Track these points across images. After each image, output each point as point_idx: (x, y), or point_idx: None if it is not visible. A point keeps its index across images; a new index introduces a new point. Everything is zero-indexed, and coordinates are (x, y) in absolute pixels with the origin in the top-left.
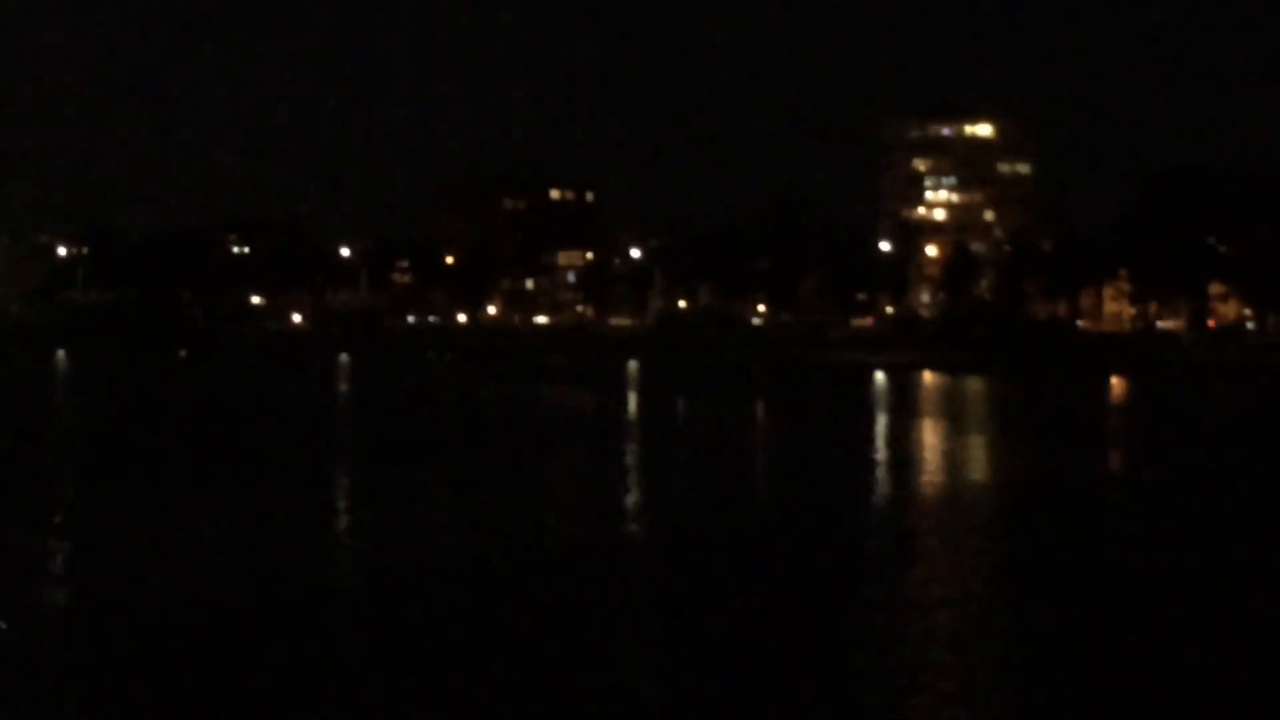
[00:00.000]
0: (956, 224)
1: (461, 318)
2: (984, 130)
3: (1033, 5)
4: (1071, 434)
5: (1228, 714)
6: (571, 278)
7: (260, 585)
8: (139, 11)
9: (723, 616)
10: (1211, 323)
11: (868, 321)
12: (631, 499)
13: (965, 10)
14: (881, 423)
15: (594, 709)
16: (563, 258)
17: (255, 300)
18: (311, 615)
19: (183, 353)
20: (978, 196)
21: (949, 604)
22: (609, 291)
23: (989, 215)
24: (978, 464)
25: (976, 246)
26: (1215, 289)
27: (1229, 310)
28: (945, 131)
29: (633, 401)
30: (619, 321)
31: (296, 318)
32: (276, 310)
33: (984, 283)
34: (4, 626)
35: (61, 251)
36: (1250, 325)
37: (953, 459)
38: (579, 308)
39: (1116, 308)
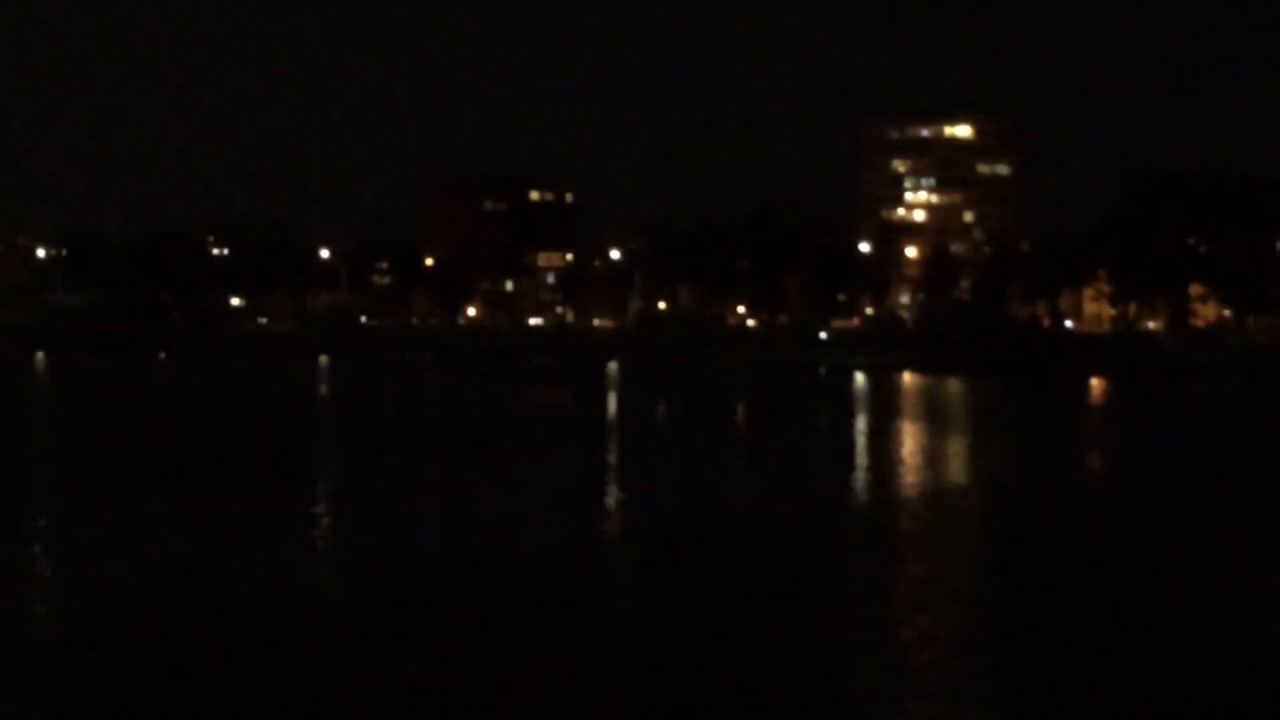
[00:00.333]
0: (936, 225)
1: (435, 320)
2: (964, 131)
3: (1013, 7)
4: (1049, 435)
5: (1201, 709)
6: (552, 279)
7: (231, 588)
8: (118, 13)
9: (694, 618)
10: (1200, 323)
11: (854, 322)
12: (608, 503)
13: (945, 12)
14: (860, 424)
15: (570, 710)
16: (543, 259)
17: (235, 301)
18: (283, 619)
19: (163, 354)
20: (958, 197)
21: (923, 605)
22: (589, 293)
23: (969, 216)
24: (954, 466)
25: (956, 247)
26: (1195, 290)
27: (1209, 311)
28: (925, 133)
29: (611, 403)
30: (600, 323)
31: (277, 319)
32: (257, 311)
33: (964, 284)
34: None
35: (41, 253)
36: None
37: (929, 461)
38: (559, 309)
39: (1096, 309)
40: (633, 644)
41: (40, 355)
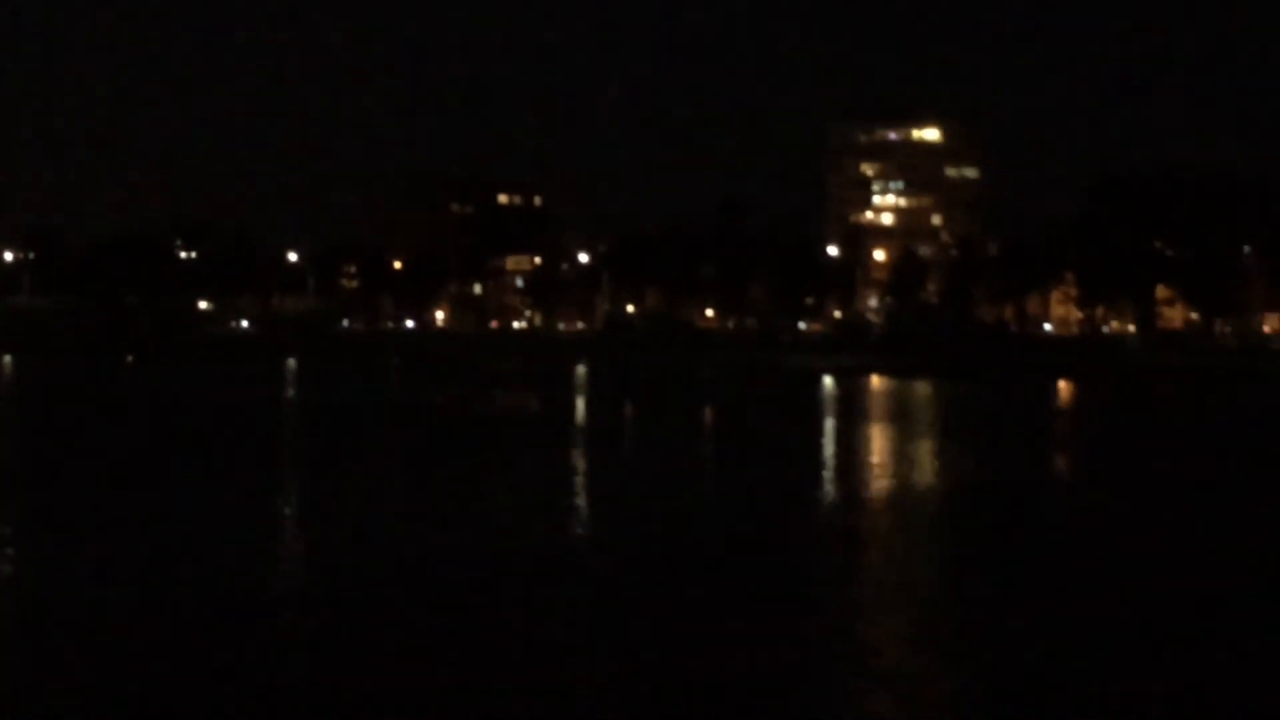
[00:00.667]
0: (904, 228)
1: (410, 323)
2: (931, 135)
3: (979, 11)
4: (1015, 438)
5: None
6: (520, 282)
7: (189, 593)
8: (82, 13)
9: (659, 624)
10: (1172, 325)
11: (814, 326)
12: (571, 507)
13: (912, 16)
14: (828, 427)
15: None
16: (511, 262)
17: (203, 305)
18: (238, 624)
19: (130, 357)
20: (925, 201)
21: (886, 609)
22: (557, 296)
23: (936, 219)
24: (921, 469)
25: (924, 251)
26: (1162, 293)
27: (1175, 314)
28: (892, 136)
29: (579, 406)
30: (567, 326)
31: (244, 322)
32: (224, 315)
33: (931, 287)
34: None
35: (8, 256)
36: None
37: (896, 464)
38: (527, 312)
39: (1063, 311)
40: (592, 650)
41: (7, 359)
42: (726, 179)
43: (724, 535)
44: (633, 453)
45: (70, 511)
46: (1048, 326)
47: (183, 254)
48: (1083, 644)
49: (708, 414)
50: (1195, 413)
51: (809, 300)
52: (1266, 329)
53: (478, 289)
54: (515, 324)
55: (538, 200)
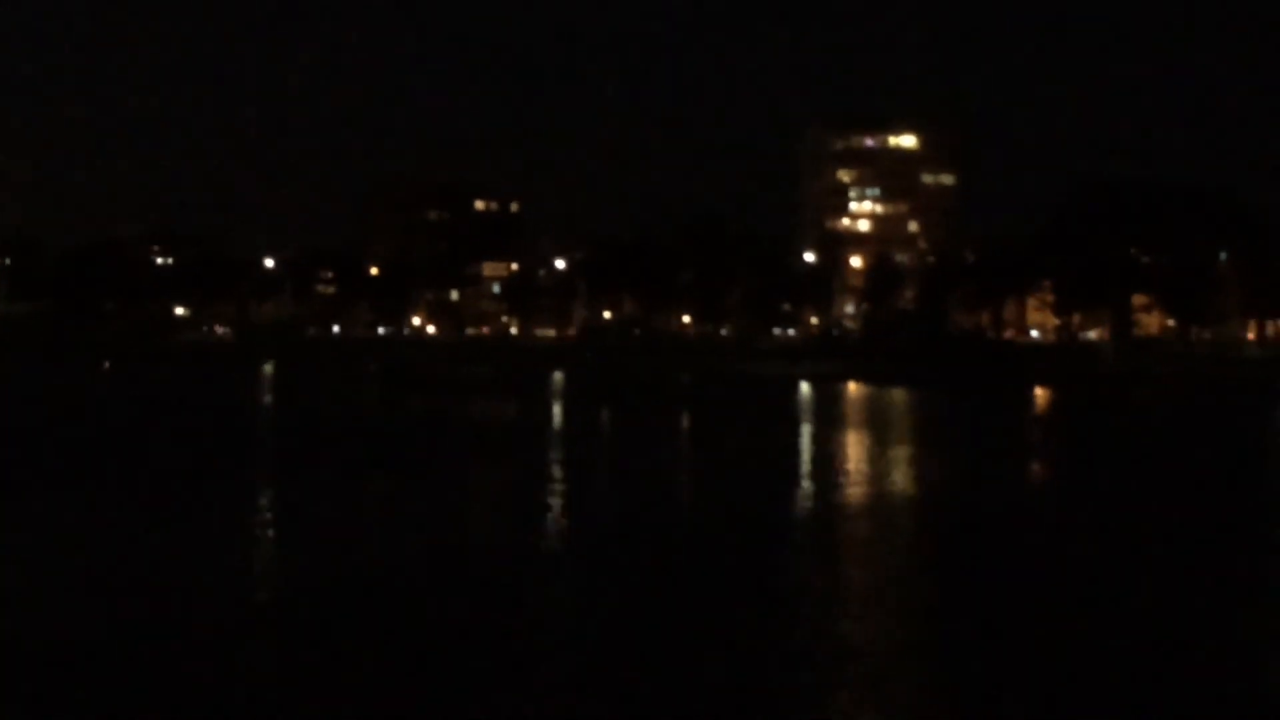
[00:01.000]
0: (880, 235)
1: (382, 329)
2: (907, 141)
3: (955, 17)
4: (990, 444)
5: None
6: (496, 289)
7: (154, 602)
8: (58, 18)
9: (635, 630)
10: (1151, 332)
11: (788, 332)
12: (546, 514)
13: (888, 22)
14: (804, 433)
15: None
16: (487, 269)
17: (179, 311)
18: (203, 634)
19: (106, 364)
20: (901, 207)
21: (858, 616)
22: (534, 303)
23: (913, 226)
24: (896, 475)
25: (900, 257)
26: (1139, 300)
27: (1152, 321)
28: (869, 143)
29: (556, 413)
30: (543, 332)
31: (220, 329)
32: (200, 321)
33: (908, 294)
34: None
35: None
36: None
37: (871, 470)
38: (503, 319)
39: (1040, 318)
40: (562, 657)
41: None
42: (703, 186)
43: (696, 541)
44: (608, 461)
45: (36, 517)
46: (1035, 334)
47: (159, 260)
48: (1040, 644)
49: (684, 421)
50: (1171, 419)
51: (785, 307)
52: (1250, 336)
53: (454, 295)
54: (477, 330)
55: (514, 206)
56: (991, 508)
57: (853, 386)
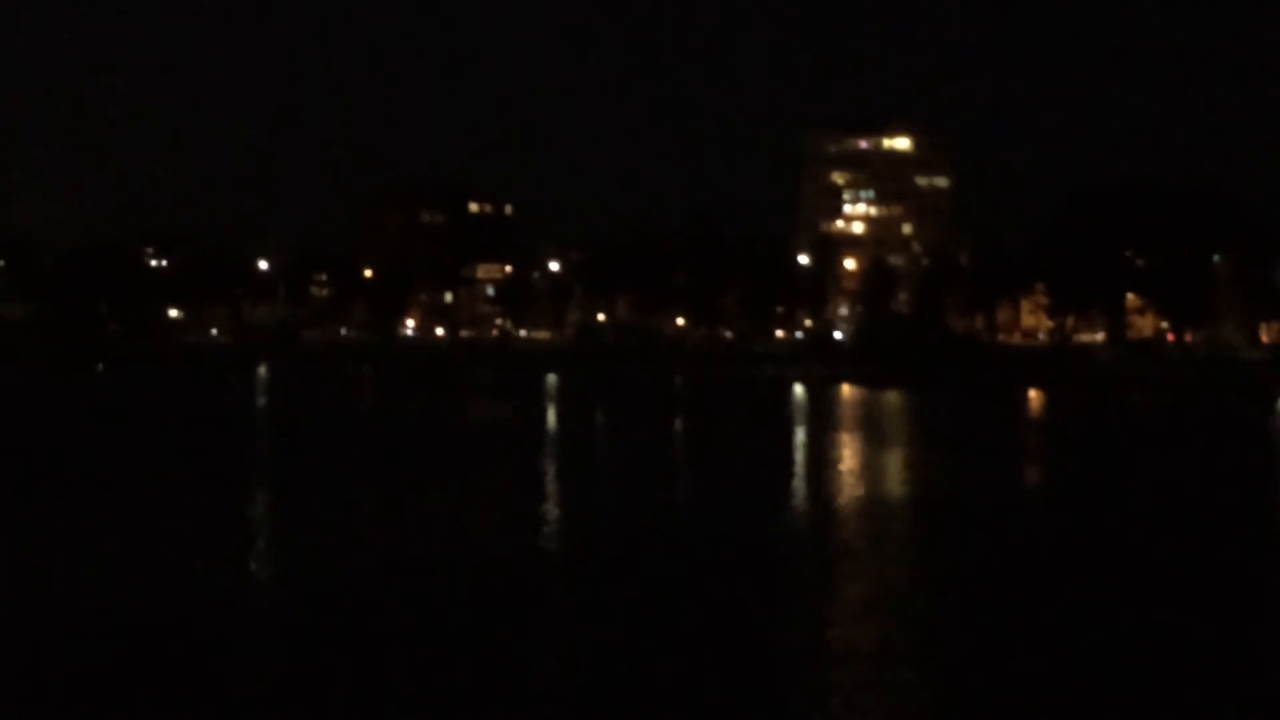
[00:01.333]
0: (875, 237)
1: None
2: (902, 144)
3: (951, 20)
4: (985, 447)
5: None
6: (491, 291)
7: (151, 602)
8: (54, 23)
9: (628, 632)
10: (1145, 334)
11: (779, 335)
12: (540, 519)
13: (883, 24)
14: (799, 437)
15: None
16: (482, 271)
17: (173, 313)
18: (203, 636)
19: (100, 366)
20: (896, 210)
21: (859, 619)
22: (528, 305)
23: (907, 229)
24: (891, 478)
25: (895, 260)
26: (1133, 302)
27: (1146, 324)
28: (864, 145)
29: (550, 416)
30: (538, 334)
31: (215, 331)
32: (195, 323)
33: (902, 296)
34: None
35: None
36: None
37: (866, 473)
38: (498, 321)
39: (1034, 321)
40: (558, 662)
41: None
42: (698, 188)
43: (690, 545)
44: (608, 464)
45: (31, 517)
46: (1042, 336)
47: (154, 263)
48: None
49: (679, 424)
50: (1164, 421)
51: (780, 309)
52: (1265, 338)
53: (449, 298)
54: (473, 332)
55: (509, 209)
56: (982, 513)
57: (846, 389)
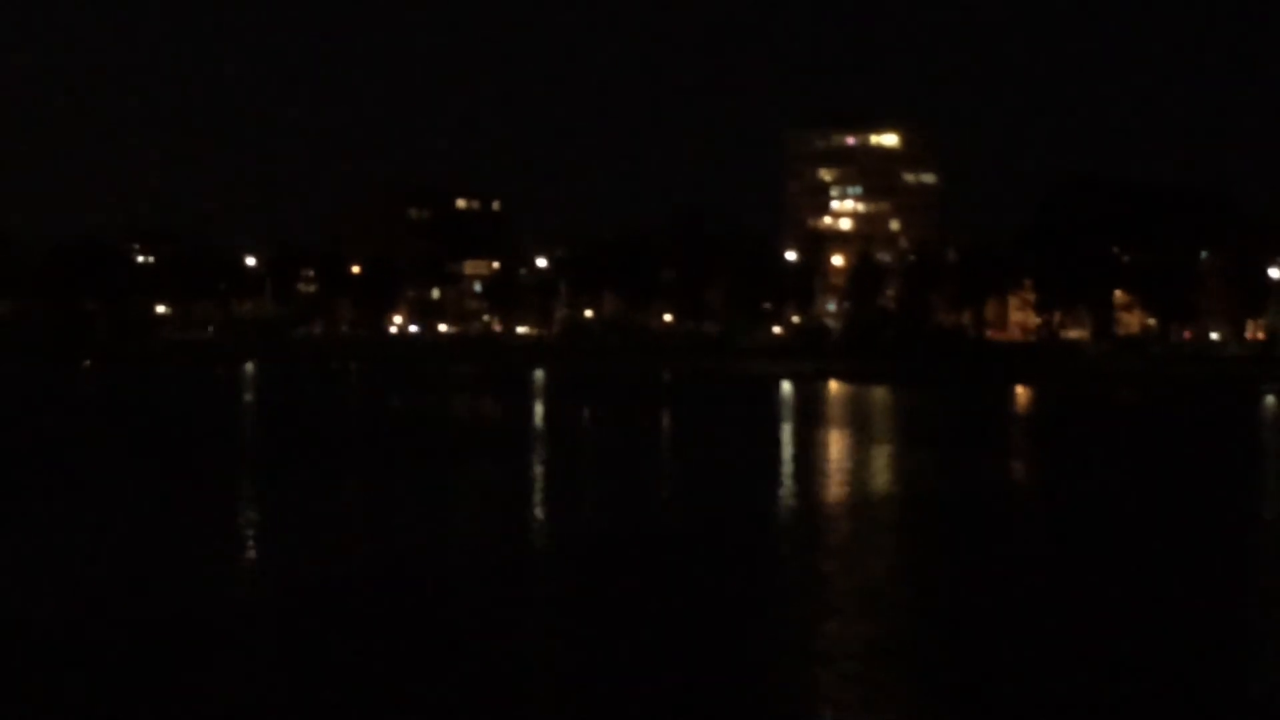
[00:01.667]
0: (862, 233)
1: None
2: (889, 140)
3: (936, 17)
4: (971, 443)
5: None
6: (478, 287)
7: (135, 599)
8: (38, 17)
9: (617, 627)
10: (1130, 330)
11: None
12: (525, 515)
13: (870, 20)
14: (785, 432)
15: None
16: (469, 267)
17: (160, 309)
18: (180, 633)
19: (87, 362)
20: (883, 206)
21: (842, 613)
22: (515, 301)
23: (894, 225)
24: (877, 474)
25: (882, 256)
26: (1119, 298)
27: (1133, 319)
28: (851, 141)
29: (536, 412)
30: (525, 330)
31: (202, 327)
32: (182, 319)
33: (889, 292)
34: None
35: None
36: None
37: (852, 469)
38: (484, 317)
39: (1021, 317)
40: (544, 660)
41: None
42: (685, 184)
43: (674, 540)
44: (594, 460)
45: (7, 514)
46: (1052, 335)
47: (140, 259)
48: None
49: (666, 420)
50: (1151, 417)
51: (767, 305)
52: (1260, 335)
53: (435, 294)
54: (464, 327)
55: (495, 205)
56: (966, 507)
57: (833, 385)
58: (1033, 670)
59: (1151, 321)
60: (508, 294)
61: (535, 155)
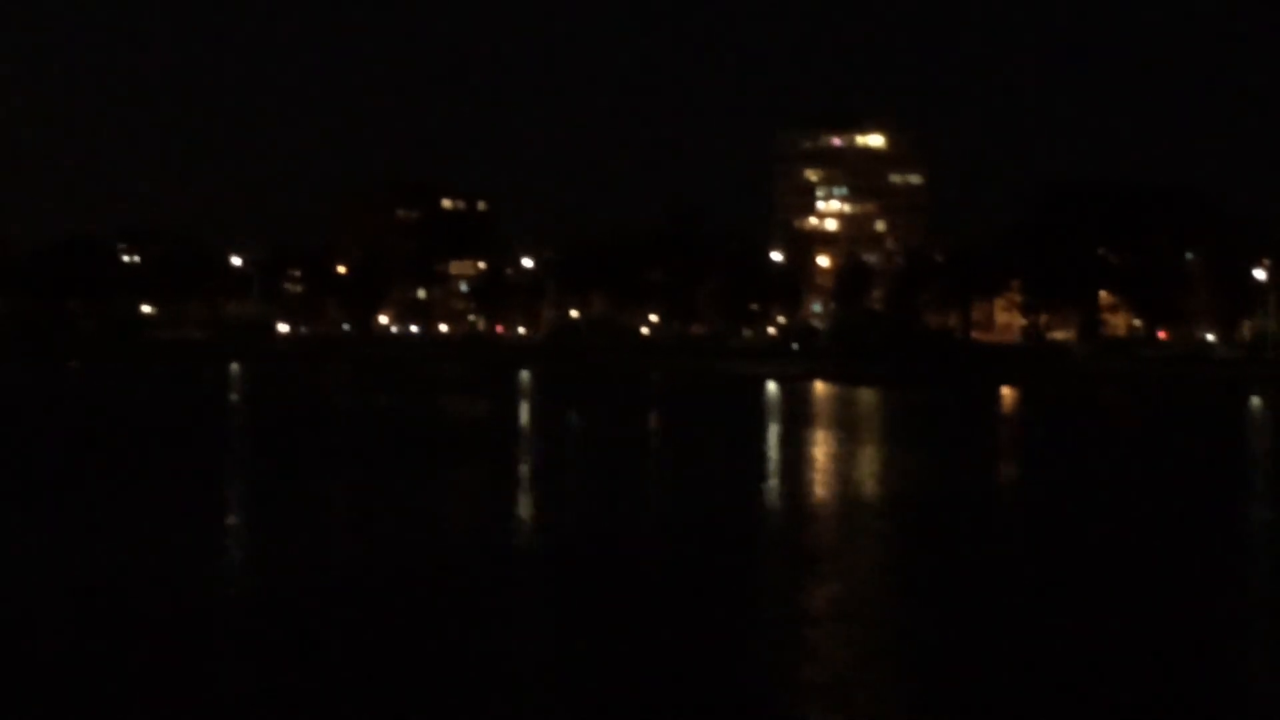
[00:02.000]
0: (849, 234)
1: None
2: (876, 141)
3: (924, 17)
4: (957, 444)
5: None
6: (465, 287)
7: (115, 598)
8: (26, 18)
9: (600, 630)
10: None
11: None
12: (510, 516)
13: (857, 21)
14: (772, 433)
15: None
16: (456, 267)
17: (147, 309)
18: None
19: (74, 362)
20: (870, 207)
21: (819, 619)
22: (502, 301)
23: (881, 226)
24: (863, 475)
25: (869, 257)
26: (1105, 300)
27: (1119, 321)
28: (837, 142)
29: (522, 412)
30: (510, 330)
31: (190, 327)
32: (169, 319)
33: (876, 293)
34: None
35: None
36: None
37: (839, 470)
38: (471, 317)
39: (1007, 318)
40: (527, 662)
41: None
42: (673, 186)
43: (660, 542)
44: (580, 460)
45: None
46: (1039, 336)
47: (127, 258)
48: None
49: (653, 420)
50: (1137, 418)
51: (754, 306)
52: (1211, 337)
53: (422, 294)
54: (444, 327)
55: (482, 205)
56: (952, 509)
57: (820, 386)
58: (1009, 673)
59: (1138, 323)
60: (495, 294)
61: (521, 156)
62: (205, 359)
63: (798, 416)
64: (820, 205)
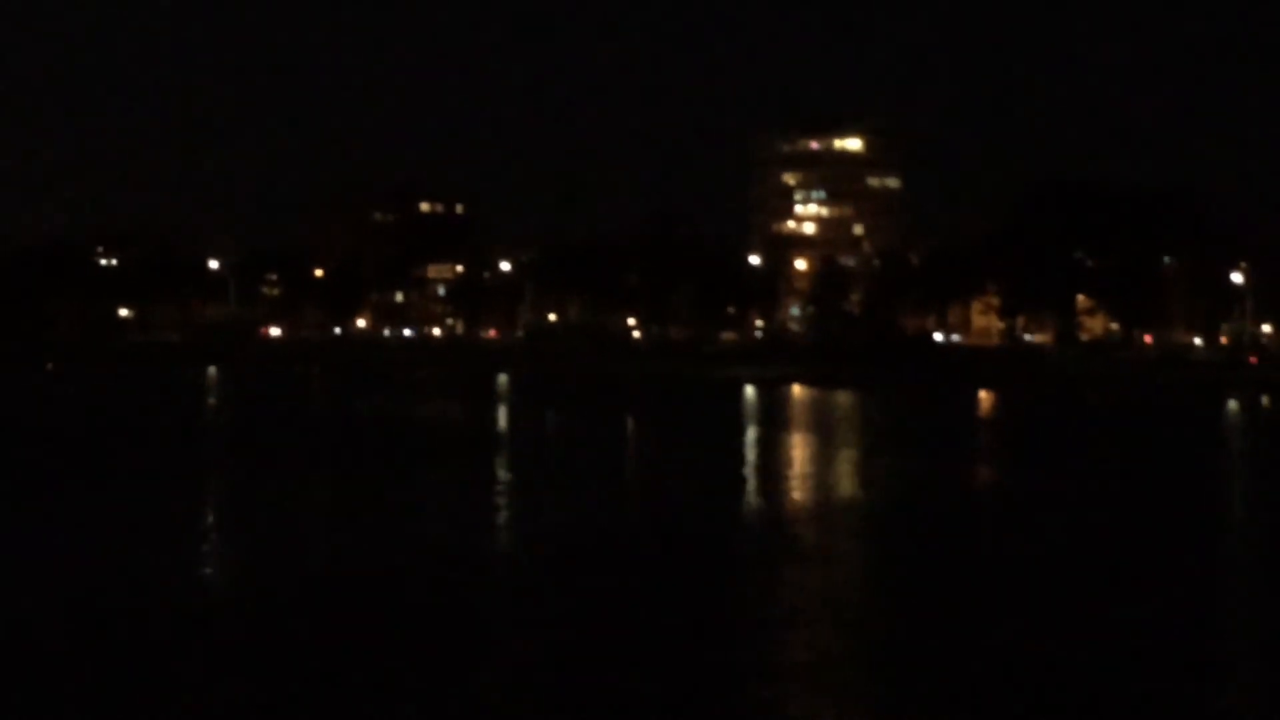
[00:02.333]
0: (826, 238)
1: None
2: (853, 144)
3: (901, 20)
4: (934, 447)
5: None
6: (442, 290)
7: (84, 600)
8: (6, 14)
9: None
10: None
11: (731, 336)
12: (486, 520)
13: (835, 24)
14: (749, 437)
15: None
16: (433, 270)
17: (124, 312)
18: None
19: (50, 365)
20: (847, 210)
21: (801, 623)
22: (480, 304)
23: (858, 229)
24: (840, 478)
25: (846, 260)
26: (1083, 303)
27: (1096, 324)
28: (814, 145)
29: (500, 416)
30: (489, 333)
31: (167, 330)
32: (145, 323)
33: (854, 297)
34: None
35: None
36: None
37: (816, 473)
38: (449, 320)
39: (985, 321)
40: (501, 666)
41: None
42: (651, 189)
43: (636, 544)
44: (557, 465)
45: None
46: (1029, 338)
47: (103, 262)
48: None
49: (630, 424)
50: (1114, 420)
51: (731, 310)
52: (1197, 340)
53: (399, 297)
54: (422, 331)
55: (460, 208)
56: (928, 512)
57: (797, 390)
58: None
59: (1115, 326)
60: (472, 297)
61: (500, 159)
62: (183, 362)
63: (775, 420)
64: (798, 208)
